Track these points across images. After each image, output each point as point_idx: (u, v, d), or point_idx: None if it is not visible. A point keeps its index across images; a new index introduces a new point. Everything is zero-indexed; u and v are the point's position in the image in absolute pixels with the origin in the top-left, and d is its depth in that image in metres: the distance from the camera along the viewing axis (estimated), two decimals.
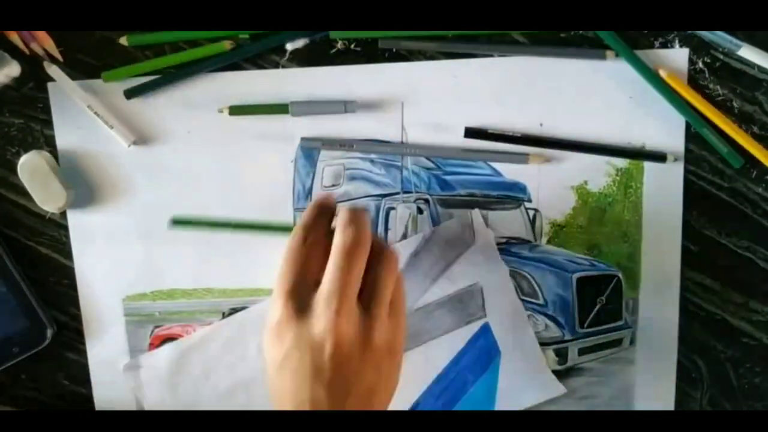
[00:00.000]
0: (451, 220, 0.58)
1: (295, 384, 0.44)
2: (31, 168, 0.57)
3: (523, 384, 0.59)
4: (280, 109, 0.57)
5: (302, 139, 0.57)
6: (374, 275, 0.46)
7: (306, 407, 0.43)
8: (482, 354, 0.59)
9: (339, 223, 0.47)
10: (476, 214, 0.58)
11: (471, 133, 0.57)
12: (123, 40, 0.56)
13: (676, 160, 0.56)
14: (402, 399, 0.58)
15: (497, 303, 0.59)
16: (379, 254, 0.47)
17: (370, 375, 0.45)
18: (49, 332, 0.59)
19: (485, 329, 0.59)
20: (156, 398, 0.60)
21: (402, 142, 0.57)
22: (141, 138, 0.57)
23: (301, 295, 0.46)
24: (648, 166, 0.57)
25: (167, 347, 0.60)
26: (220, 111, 0.57)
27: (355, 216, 0.47)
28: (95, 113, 0.56)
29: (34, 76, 0.57)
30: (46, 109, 0.57)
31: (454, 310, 0.59)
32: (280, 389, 0.45)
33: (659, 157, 0.56)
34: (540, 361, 0.59)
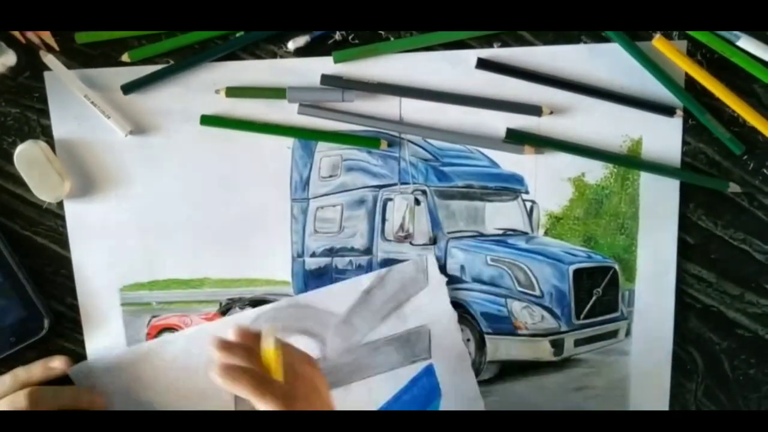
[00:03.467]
0: (406, 262, 0.59)
1: None
2: (27, 157, 0.56)
3: None
4: (276, 93, 0.56)
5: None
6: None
7: None
8: (423, 393, 0.60)
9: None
10: (431, 259, 0.59)
11: (483, 63, 0.56)
12: (125, 57, 0.56)
13: (679, 115, 0.56)
14: None
15: (443, 346, 0.60)
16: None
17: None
18: (47, 322, 0.59)
19: (429, 370, 0.60)
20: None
21: (399, 133, 0.58)
22: (138, 128, 0.57)
23: None
24: (646, 158, 0.57)
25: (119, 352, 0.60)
26: (217, 92, 0.56)
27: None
28: (92, 103, 0.56)
29: (31, 66, 0.56)
30: (43, 99, 0.57)
31: (401, 348, 0.60)
32: None
33: (667, 110, 0.56)
34: (479, 406, 0.60)
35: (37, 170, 0.56)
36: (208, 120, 0.57)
